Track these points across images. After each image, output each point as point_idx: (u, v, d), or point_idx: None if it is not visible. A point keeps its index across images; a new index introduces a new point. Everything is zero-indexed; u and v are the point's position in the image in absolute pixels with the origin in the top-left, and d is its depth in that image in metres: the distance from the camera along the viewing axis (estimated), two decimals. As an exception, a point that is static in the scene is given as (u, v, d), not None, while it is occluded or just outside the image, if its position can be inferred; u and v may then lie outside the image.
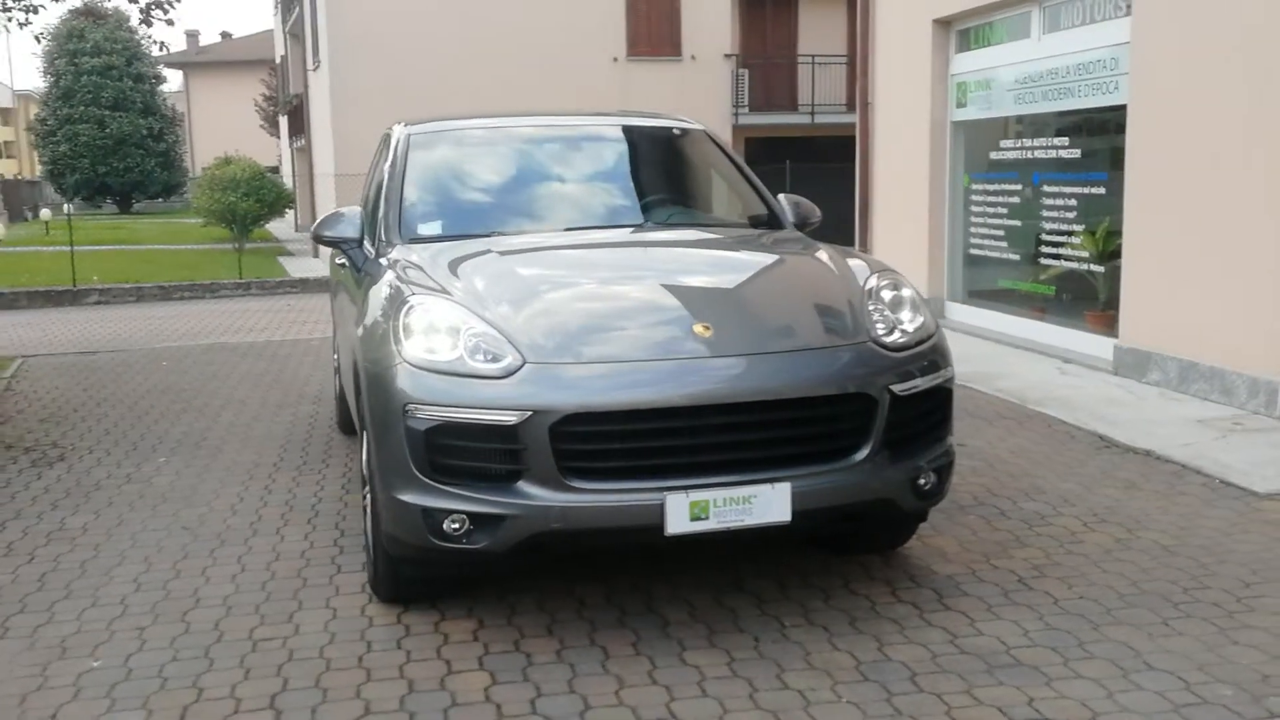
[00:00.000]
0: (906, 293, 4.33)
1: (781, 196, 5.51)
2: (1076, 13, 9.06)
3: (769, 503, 3.70)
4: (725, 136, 23.15)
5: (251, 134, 48.18)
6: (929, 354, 4.13)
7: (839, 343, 3.95)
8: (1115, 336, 8.38)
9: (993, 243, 10.53)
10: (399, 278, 4.29)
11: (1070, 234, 9.28)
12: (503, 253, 4.54)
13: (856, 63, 12.94)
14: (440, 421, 3.68)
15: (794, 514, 3.73)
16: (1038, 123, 9.73)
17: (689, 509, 3.63)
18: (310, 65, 25.07)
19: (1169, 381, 7.73)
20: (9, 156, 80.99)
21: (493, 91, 21.68)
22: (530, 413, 3.60)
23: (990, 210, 10.55)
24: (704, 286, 4.32)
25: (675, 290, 4.23)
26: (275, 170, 33.75)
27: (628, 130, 5.78)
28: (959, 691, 3.53)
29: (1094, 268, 9.05)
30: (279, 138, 42.98)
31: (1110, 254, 8.62)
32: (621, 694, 3.56)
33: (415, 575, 4.14)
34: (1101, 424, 6.88)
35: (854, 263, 4.51)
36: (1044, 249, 9.66)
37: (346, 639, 4.03)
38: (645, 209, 5.21)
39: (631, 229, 5.02)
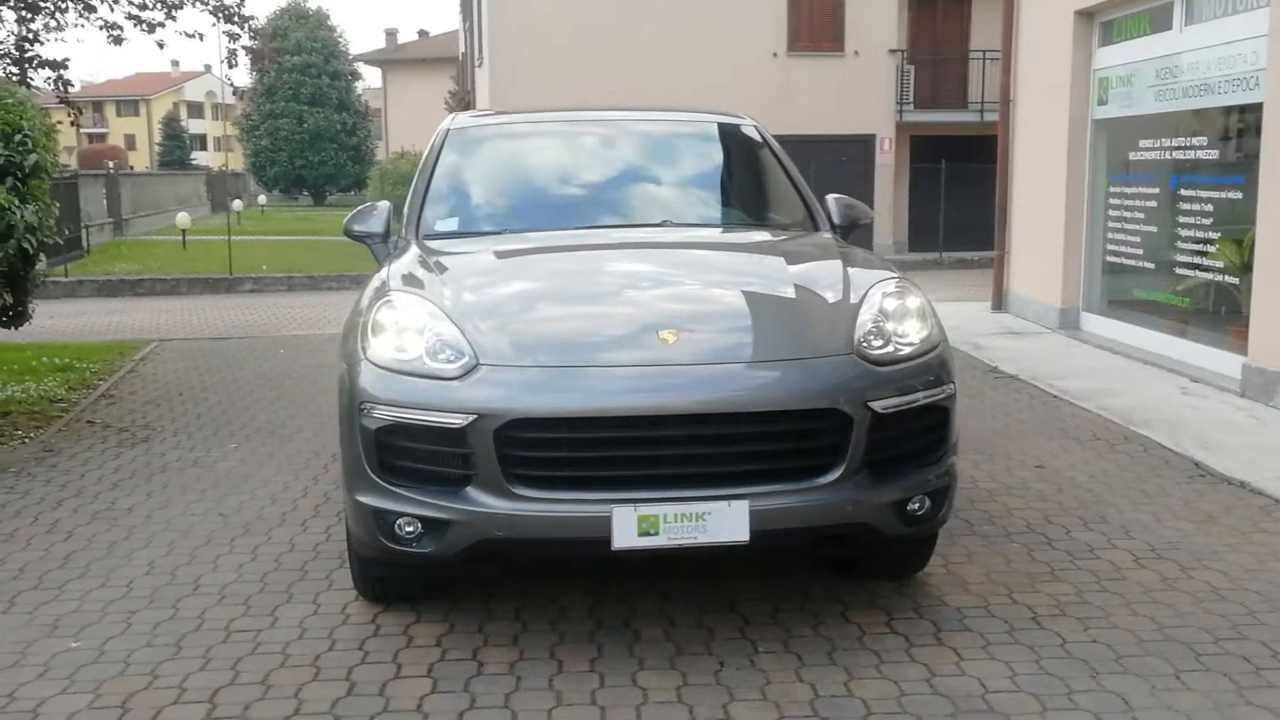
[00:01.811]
0: (913, 303, 4.03)
1: (830, 197, 5.24)
2: (1219, 2, 8.38)
3: (724, 521, 3.49)
4: (889, 134, 22.57)
5: (441, 129, 49.55)
6: (925, 369, 3.83)
7: (814, 354, 3.69)
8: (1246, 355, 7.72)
9: (1130, 250, 9.87)
10: (389, 274, 4.26)
11: (1208, 242, 8.60)
12: (499, 253, 4.46)
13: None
14: (391, 422, 3.62)
15: (753, 534, 3.51)
16: (1177, 121, 9.05)
17: (637, 523, 3.46)
18: (475, 61, 25.62)
19: (1295, 405, 7.07)
20: (228, 150, 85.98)
21: (649, 86, 21.64)
22: (475, 416, 3.49)
23: (1128, 215, 9.90)
24: (686, 291, 4.12)
25: (654, 295, 4.06)
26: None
27: (670, 127, 5.59)
28: (910, 737, 3.26)
29: (1230, 279, 8.36)
30: (461, 133, 44.11)
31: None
32: (554, 712, 3.42)
33: (383, 576, 4.09)
34: (1202, 450, 6.33)
35: (862, 270, 4.23)
36: (1180, 258, 8.99)
37: (315, 636, 4.01)
38: (669, 208, 5.03)
39: (648, 229, 4.85)
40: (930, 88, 23.75)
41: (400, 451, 3.63)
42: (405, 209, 5.07)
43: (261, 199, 47.10)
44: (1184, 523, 5.15)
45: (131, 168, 53.21)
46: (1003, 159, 12.09)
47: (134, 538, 5.11)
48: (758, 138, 5.48)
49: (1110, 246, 10.23)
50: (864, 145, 22.78)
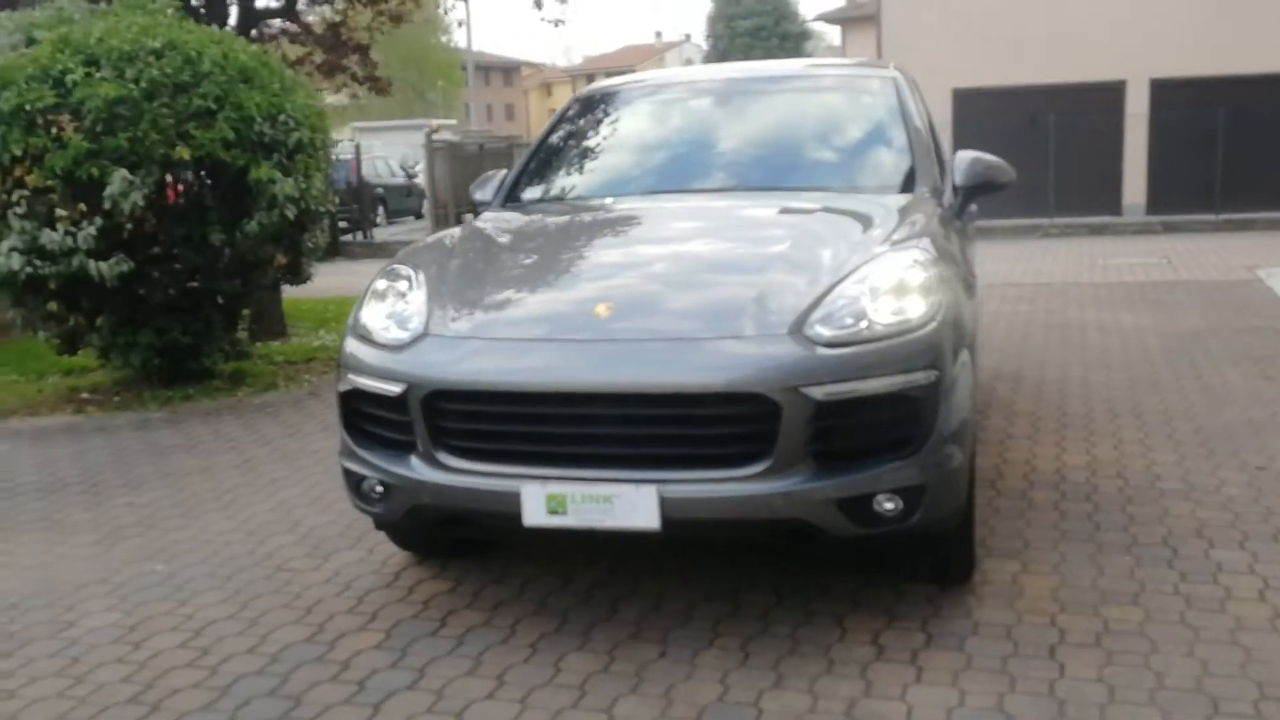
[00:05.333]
0: (915, 278, 3.53)
1: (960, 154, 4.69)
2: None
3: (632, 506, 3.31)
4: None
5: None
6: (897, 353, 3.35)
7: (748, 334, 3.36)
8: None
9: None
10: (415, 245, 4.41)
11: None
12: (526, 222, 4.49)
13: None
14: (351, 387, 3.77)
15: (665, 522, 3.31)
16: None
17: (545, 501, 3.38)
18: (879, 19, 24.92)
19: None
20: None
21: (1065, 36, 20.12)
22: (406, 385, 3.56)
23: None
24: (654, 261, 3.90)
25: (620, 265, 3.90)
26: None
27: (789, 83, 5.24)
28: (767, 760, 2.95)
29: None
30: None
31: None
32: (455, 681, 3.43)
33: (394, 536, 4.28)
34: None
35: (881, 241, 3.77)
36: None
37: (338, 583, 4.26)
38: (746, 172, 4.74)
39: (711, 194, 4.61)
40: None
41: (361, 416, 3.78)
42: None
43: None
44: (1390, 549, 4.15)
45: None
46: None
47: (292, 477, 5.66)
48: (887, 90, 5.00)
49: None
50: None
